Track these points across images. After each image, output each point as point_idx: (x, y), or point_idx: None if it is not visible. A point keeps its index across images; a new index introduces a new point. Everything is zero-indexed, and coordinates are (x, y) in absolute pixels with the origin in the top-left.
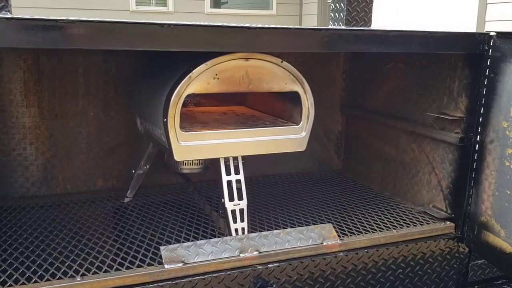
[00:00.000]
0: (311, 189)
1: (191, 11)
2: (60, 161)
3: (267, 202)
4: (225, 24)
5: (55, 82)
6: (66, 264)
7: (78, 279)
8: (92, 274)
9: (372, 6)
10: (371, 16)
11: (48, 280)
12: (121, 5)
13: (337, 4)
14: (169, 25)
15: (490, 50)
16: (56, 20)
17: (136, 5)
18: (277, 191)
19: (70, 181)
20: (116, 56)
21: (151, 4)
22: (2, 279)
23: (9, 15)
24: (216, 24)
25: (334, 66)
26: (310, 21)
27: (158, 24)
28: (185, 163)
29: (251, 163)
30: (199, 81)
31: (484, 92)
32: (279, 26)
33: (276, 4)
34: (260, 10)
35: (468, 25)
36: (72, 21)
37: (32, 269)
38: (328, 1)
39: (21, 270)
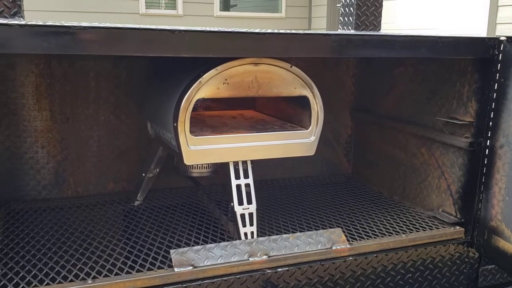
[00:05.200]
0: (320, 193)
1: (200, 14)
2: (71, 164)
3: (276, 206)
4: (235, 30)
5: (66, 86)
6: (78, 266)
7: (90, 281)
8: (103, 277)
9: (381, 10)
10: (380, 20)
11: (60, 282)
12: (131, 8)
13: (346, 9)
14: (180, 31)
15: (500, 54)
16: (69, 27)
17: (145, 8)
18: (286, 195)
19: (81, 184)
20: (127, 60)
21: (160, 7)
22: (15, 281)
23: (22, 21)
24: (226, 30)
25: (344, 71)
26: (320, 24)
27: (169, 30)
28: (195, 167)
29: (260, 166)
30: (209, 86)
31: (494, 97)
32: (288, 31)
33: (285, 7)
34: (269, 13)
35: (479, 28)
36: (84, 27)
37: (44, 271)
38: (338, 5)
39: (33, 273)
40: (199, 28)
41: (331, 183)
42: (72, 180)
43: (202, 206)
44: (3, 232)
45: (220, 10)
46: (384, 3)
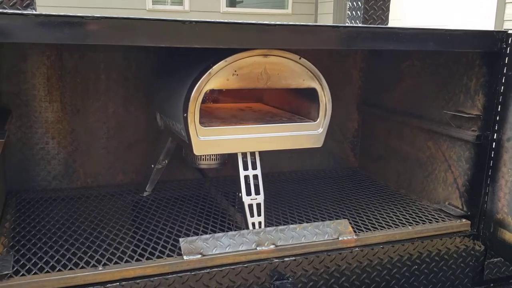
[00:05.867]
0: (327, 185)
1: (207, 10)
2: (81, 155)
3: (283, 197)
4: (245, 21)
5: (77, 78)
6: (89, 254)
7: (100, 268)
8: (114, 264)
9: (389, 4)
10: (388, 14)
11: (71, 269)
12: (138, 4)
13: (354, 3)
14: (190, 22)
15: (508, 48)
16: (82, 17)
17: (152, 4)
18: (293, 187)
19: (91, 175)
20: (136, 53)
21: (167, 3)
22: (27, 267)
23: (35, 12)
24: (236, 21)
25: (351, 64)
26: (326, 20)
27: (180, 21)
28: (203, 159)
29: (268, 159)
30: (219, 77)
31: (501, 90)
32: (297, 23)
33: (291, 3)
34: (275, 9)
35: (487, 25)
36: (97, 17)
37: (56, 258)
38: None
39: (45, 259)
40: (209, 20)
41: (337, 176)
42: (82, 170)
43: (210, 197)
44: (14, 220)
45: (226, 6)
46: None
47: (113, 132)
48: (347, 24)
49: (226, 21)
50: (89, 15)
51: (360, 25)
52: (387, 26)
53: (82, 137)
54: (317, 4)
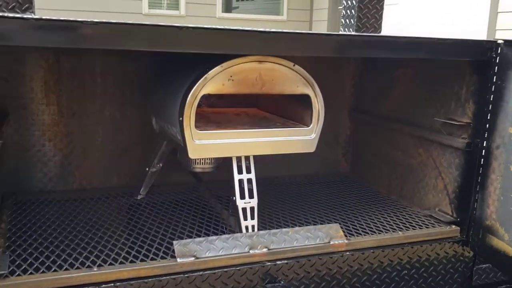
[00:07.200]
0: (318, 190)
1: (202, 15)
2: (76, 158)
3: (276, 202)
4: (241, 28)
5: (74, 81)
6: (84, 255)
7: (95, 269)
8: (108, 265)
9: (382, 13)
10: (381, 23)
11: (66, 269)
12: (134, 9)
13: (348, 11)
14: (187, 27)
15: (498, 57)
16: (82, 22)
17: (148, 9)
18: (286, 192)
19: (86, 178)
20: (132, 57)
21: (163, 8)
22: (23, 267)
23: (36, 16)
24: (232, 28)
25: (344, 72)
26: (321, 27)
27: (177, 26)
28: (198, 163)
29: (261, 164)
30: (214, 82)
31: (491, 99)
32: (292, 30)
33: (287, 10)
34: (271, 15)
35: (479, 34)
36: (96, 22)
37: (51, 259)
38: (339, 7)
39: (40, 260)
40: (206, 26)
41: (329, 181)
42: (77, 173)
43: (204, 201)
44: (10, 221)
45: (222, 12)
46: (385, 8)
47: (108, 136)
48: (340, 33)
49: (222, 27)
50: (89, 20)
51: (353, 33)
52: (380, 34)
53: (78, 140)
54: (312, 12)
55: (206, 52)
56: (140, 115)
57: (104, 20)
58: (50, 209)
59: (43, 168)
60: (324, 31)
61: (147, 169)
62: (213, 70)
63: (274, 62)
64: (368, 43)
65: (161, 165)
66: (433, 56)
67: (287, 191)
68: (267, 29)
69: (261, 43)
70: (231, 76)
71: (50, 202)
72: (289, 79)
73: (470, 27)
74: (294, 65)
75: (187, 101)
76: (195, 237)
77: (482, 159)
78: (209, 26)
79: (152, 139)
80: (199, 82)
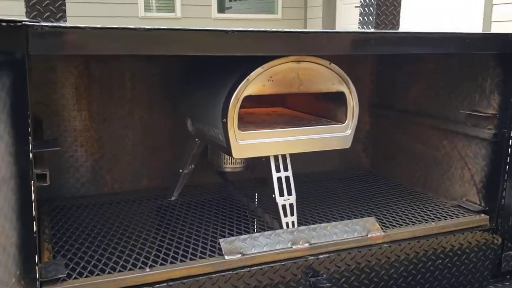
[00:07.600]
0: (343, 186)
1: (198, 16)
2: (107, 162)
3: (306, 198)
4: (280, 29)
5: (103, 87)
6: (133, 257)
7: (148, 270)
8: (159, 265)
9: (400, 9)
10: (399, 19)
11: (120, 271)
12: (130, 12)
13: (366, 8)
14: (232, 31)
15: None
16: (135, 29)
17: (144, 12)
18: (312, 188)
19: (117, 181)
20: (160, 61)
21: (159, 10)
22: (77, 271)
23: (91, 25)
24: (272, 30)
25: (362, 67)
26: (315, 25)
27: (223, 30)
28: (228, 163)
29: None
30: (256, 83)
31: None
32: (330, 30)
33: (281, 8)
34: (265, 14)
35: (474, 26)
36: (148, 29)
37: (103, 261)
38: (356, 6)
39: (92, 263)
40: (250, 29)
41: (352, 176)
42: (108, 177)
43: (235, 199)
44: (52, 226)
45: (217, 12)
46: None
47: (138, 139)
48: (374, 30)
49: (263, 29)
50: (141, 27)
51: (387, 31)
52: (412, 31)
53: (109, 144)
54: (306, 9)
55: (250, 55)
56: (168, 117)
57: (154, 27)
58: (87, 213)
59: (75, 173)
60: (319, 28)
61: (180, 170)
62: (254, 71)
63: (311, 62)
64: (403, 40)
65: (193, 166)
66: (462, 51)
67: (314, 187)
68: (305, 30)
69: (299, 43)
70: (271, 77)
71: (86, 207)
72: (325, 77)
73: (466, 19)
74: (330, 64)
75: (230, 103)
76: (236, 235)
77: (509, 149)
78: (252, 29)
79: (181, 141)
80: (241, 84)
